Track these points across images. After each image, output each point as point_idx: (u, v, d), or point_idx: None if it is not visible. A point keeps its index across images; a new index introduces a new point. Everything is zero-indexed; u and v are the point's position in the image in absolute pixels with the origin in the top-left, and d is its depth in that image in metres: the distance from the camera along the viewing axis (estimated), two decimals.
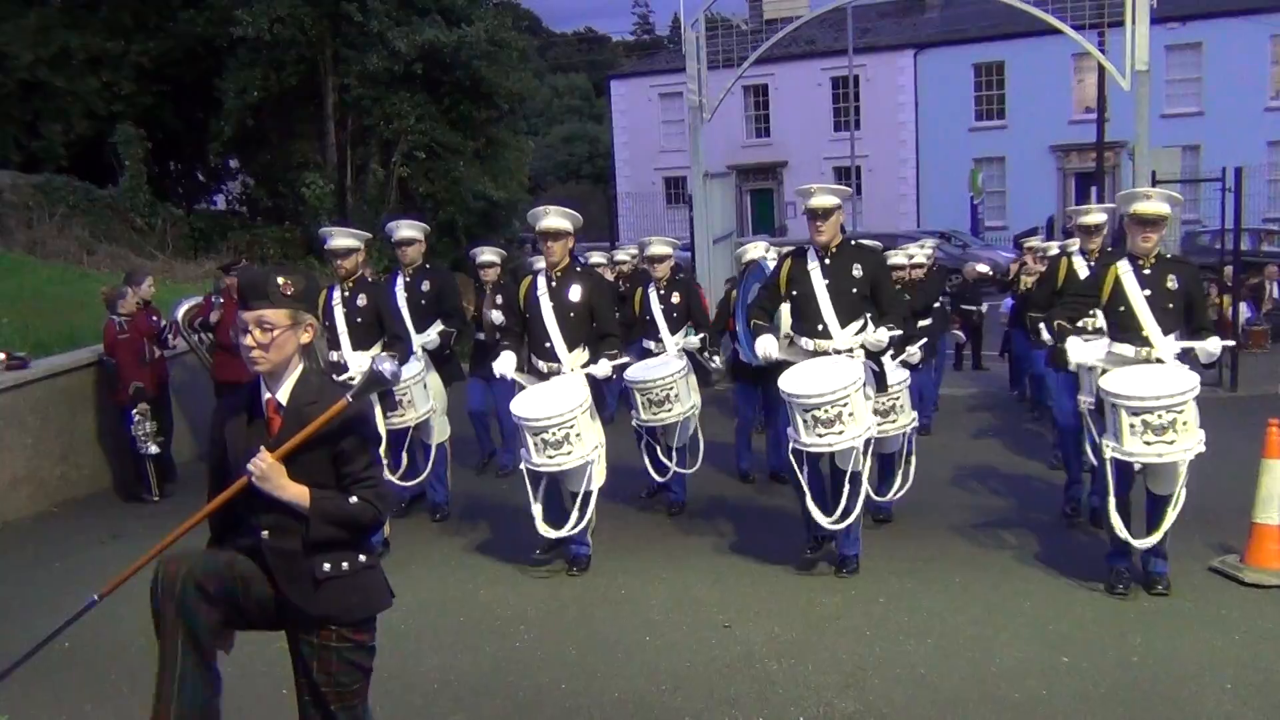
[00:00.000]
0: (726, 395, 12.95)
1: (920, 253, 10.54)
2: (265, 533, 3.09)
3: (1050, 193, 33.67)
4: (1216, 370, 12.28)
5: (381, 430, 6.96)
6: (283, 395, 3.13)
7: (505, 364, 6.79)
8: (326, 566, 3.10)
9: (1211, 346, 5.72)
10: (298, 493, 3.04)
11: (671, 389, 7.68)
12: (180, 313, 9.67)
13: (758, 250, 8.69)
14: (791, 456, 6.27)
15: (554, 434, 6.32)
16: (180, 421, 9.70)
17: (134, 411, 8.61)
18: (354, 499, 3.09)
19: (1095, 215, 7.53)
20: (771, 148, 37.72)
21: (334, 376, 3.58)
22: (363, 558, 3.20)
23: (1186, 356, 5.82)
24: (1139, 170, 12.73)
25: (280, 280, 3.11)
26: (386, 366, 3.16)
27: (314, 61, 18.33)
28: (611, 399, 11.45)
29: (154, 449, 8.70)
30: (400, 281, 8.11)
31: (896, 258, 9.81)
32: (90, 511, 8.62)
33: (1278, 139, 31.65)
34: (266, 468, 3.01)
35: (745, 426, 8.91)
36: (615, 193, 37.99)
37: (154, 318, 9.30)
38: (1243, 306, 14.20)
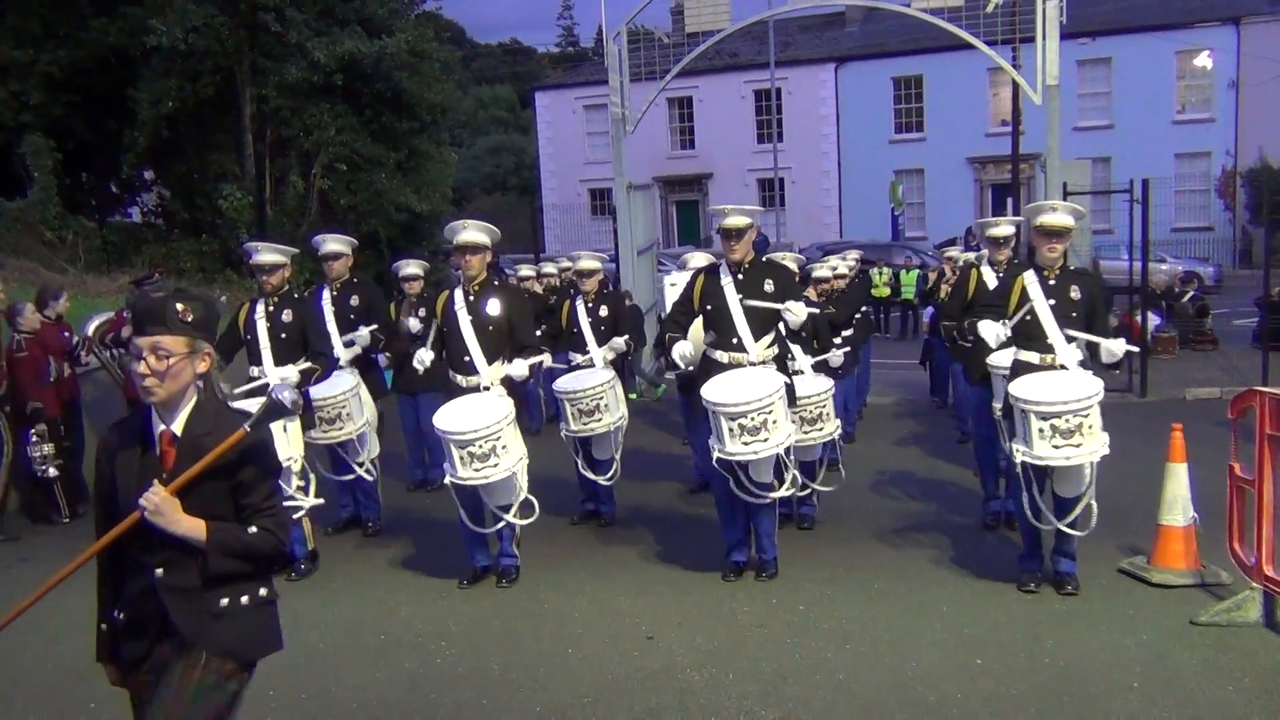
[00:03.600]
0: (654, 405, 13.03)
1: (842, 264, 10.70)
2: (159, 570, 2.96)
3: (968, 204, 34.39)
4: (1126, 376, 12.65)
5: (297, 449, 6.86)
6: (177, 427, 3.00)
7: (424, 354, 6.79)
8: (224, 602, 2.99)
9: (1115, 346, 5.91)
10: (193, 526, 2.91)
11: (601, 399, 7.70)
12: (91, 328, 9.41)
13: (698, 261, 8.77)
14: (717, 466, 6.32)
15: (480, 446, 6.28)
16: (91, 440, 9.42)
17: (31, 432, 8.31)
18: (253, 529, 2.98)
19: (1003, 228, 7.74)
20: (696, 159, 38.01)
21: (229, 404, 3.43)
22: (263, 592, 3.09)
23: (1089, 360, 6.00)
24: (1050, 182, 13.04)
25: (179, 306, 2.98)
26: (286, 395, 3.06)
27: (231, 72, 17.99)
28: (537, 412, 11.45)
29: (53, 472, 8.38)
30: (327, 295, 8.03)
31: (820, 270, 9.95)
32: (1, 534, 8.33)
33: (1184, 151, 32.70)
34: (160, 501, 2.87)
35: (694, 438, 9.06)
36: (541, 204, 37.92)
37: (65, 333, 9.04)
38: (1151, 315, 14.61)
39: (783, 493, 6.43)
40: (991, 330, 6.13)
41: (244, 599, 3.03)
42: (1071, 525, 5.86)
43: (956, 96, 33.89)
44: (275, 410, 3.07)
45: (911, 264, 22.05)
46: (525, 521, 6.56)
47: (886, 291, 21.22)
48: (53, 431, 8.45)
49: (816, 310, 6.69)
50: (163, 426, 3.02)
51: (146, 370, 2.95)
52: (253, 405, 5.70)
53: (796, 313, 6.35)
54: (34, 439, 8.31)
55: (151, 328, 2.96)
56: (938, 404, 12.60)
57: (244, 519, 3.01)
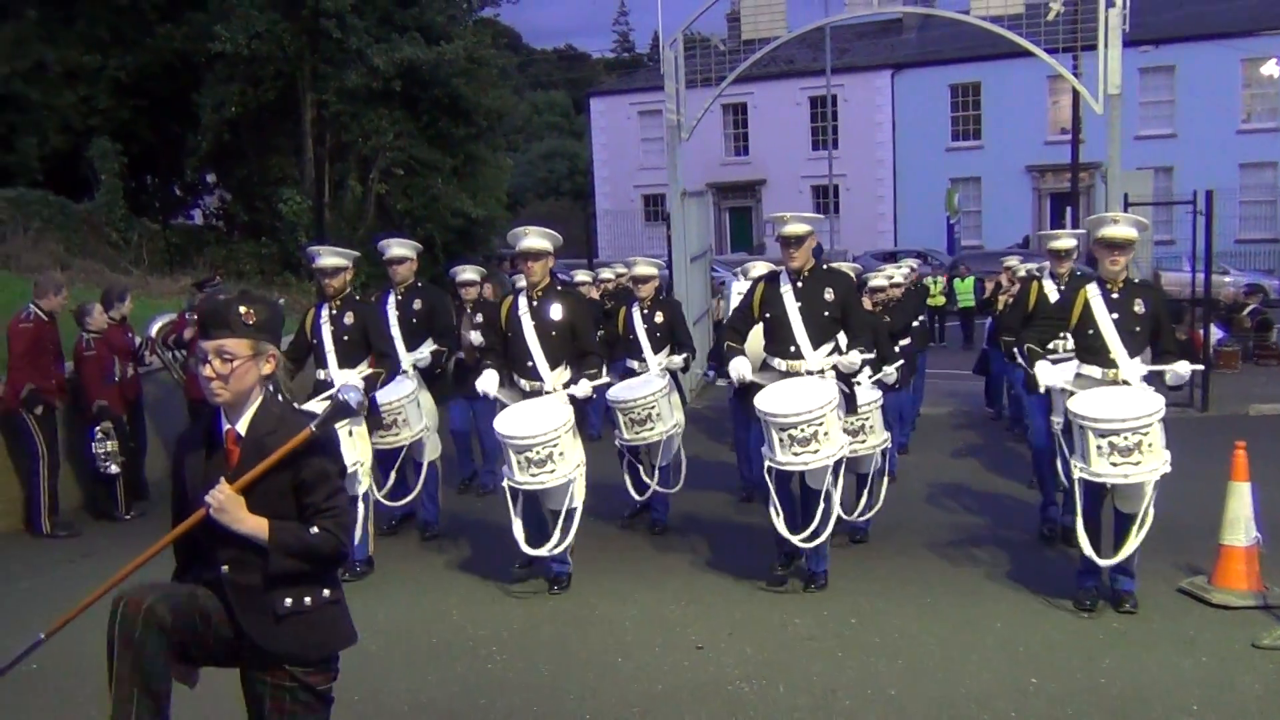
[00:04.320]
0: (706, 413, 13.00)
1: (898, 273, 10.63)
2: (225, 566, 3.02)
3: (1026, 213, 33.99)
4: (1188, 391, 12.42)
5: (367, 452, 6.96)
6: (242, 426, 3.06)
7: (488, 382, 6.79)
8: (288, 602, 3.03)
9: (1181, 369, 5.82)
10: (256, 525, 2.96)
11: (653, 408, 7.71)
12: (154, 329, 9.61)
13: (759, 269, 8.76)
14: (765, 475, 6.32)
15: (538, 452, 6.34)
16: (153, 439, 9.62)
17: (96, 430, 8.52)
18: (315, 529, 3.02)
19: (1065, 240, 7.64)
20: (750, 166, 37.93)
21: (295, 404, 3.47)
22: (326, 592, 3.13)
23: (1153, 379, 5.90)
24: (1111, 193, 12.86)
25: (242, 309, 3.03)
26: (352, 397, 3.11)
27: (292, 77, 18.30)
28: (596, 418, 11.49)
29: (114, 469, 8.58)
30: (392, 300, 8.14)
31: (876, 279, 9.90)
32: (60, 530, 8.52)
33: (1250, 161, 32.02)
34: (224, 499, 2.93)
35: (741, 445, 9.00)
36: (594, 210, 38.05)
37: (129, 334, 9.25)
38: (1214, 328, 14.34)
39: (825, 531, 6.35)
40: (1049, 375, 6.03)
41: (307, 600, 3.08)
42: (1126, 563, 5.79)
43: (1015, 104, 33.50)
44: (341, 411, 3.12)
45: (967, 273, 21.71)
46: (568, 540, 6.55)
47: (943, 300, 20.98)
48: (117, 430, 8.63)
49: (871, 355, 6.64)
50: (229, 425, 3.09)
51: (212, 373, 3.01)
52: (318, 405, 5.79)
53: (850, 362, 6.34)
54: (98, 435, 8.51)
55: (216, 331, 3.02)
56: (993, 415, 12.45)
57: (306, 519, 3.05)
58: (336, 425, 3.22)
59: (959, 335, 21.00)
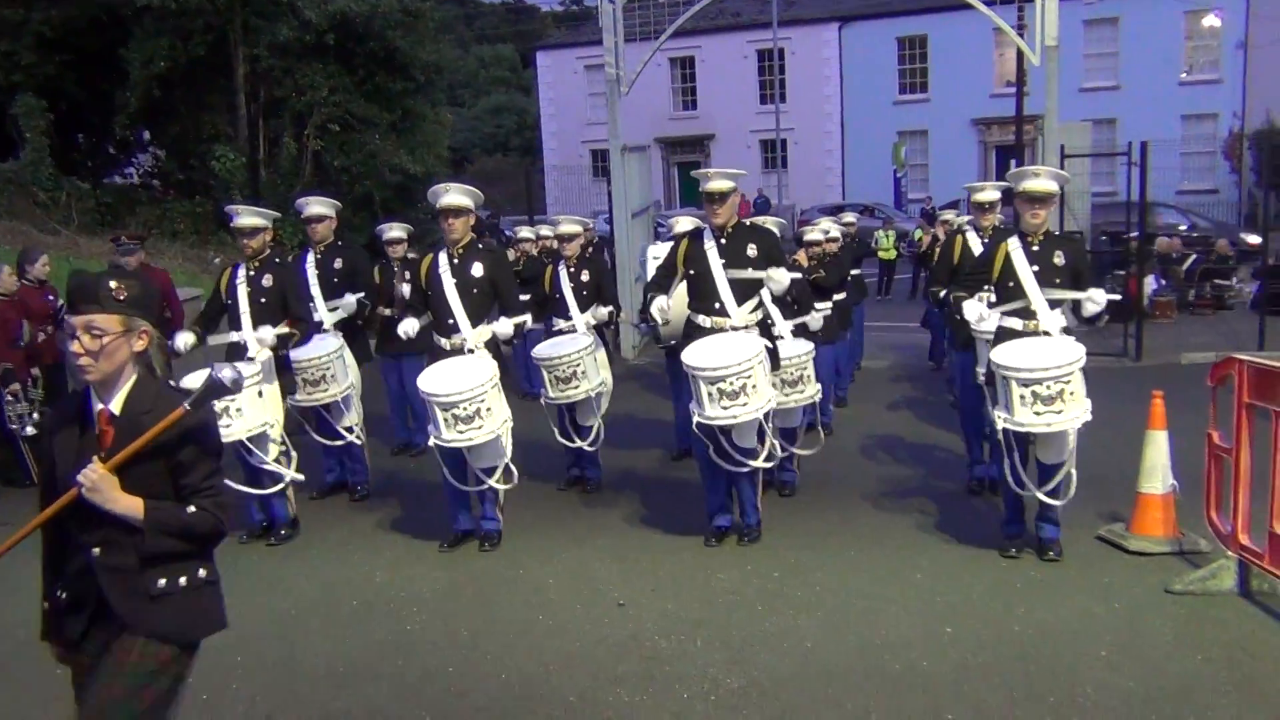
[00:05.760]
0: (651, 369, 12.95)
1: (835, 227, 10.59)
2: (96, 550, 2.93)
3: (972, 165, 34.09)
4: (1121, 340, 12.56)
5: (279, 413, 6.85)
6: (115, 406, 2.97)
7: (408, 325, 6.79)
8: (161, 583, 2.96)
9: (1096, 296, 5.87)
10: (130, 504, 2.88)
11: (578, 365, 7.63)
12: None
13: (684, 225, 8.68)
14: (695, 431, 6.30)
15: (464, 409, 6.29)
16: None
17: (5, 392, 8.34)
18: (191, 508, 2.95)
19: (988, 192, 7.65)
20: (699, 120, 37.70)
21: (170, 383, 3.36)
22: (202, 573, 3.07)
23: (1074, 328, 5.94)
24: (1049, 145, 12.88)
25: (113, 284, 2.95)
26: (226, 374, 3.02)
27: (222, 31, 17.84)
28: (537, 376, 11.39)
29: (30, 430, 8.40)
30: (311, 259, 8.01)
31: (811, 233, 9.85)
32: None
33: (1191, 113, 32.33)
34: (97, 478, 2.85)
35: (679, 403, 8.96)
36: (542, 165, 37.69)
37: (49, 296, 9.01)
38: (1149, 278, 14.48)
39: (760, 463, 6.38)
40: (974, 310, 6.04)
41: (182, 580, 3.01)
42: (1052, 493, 5.83)
43: (961, 57, 33.52)
44: (215, 389, 3.04)
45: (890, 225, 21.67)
46: (505, 487, 6.56)
47: (894, 254, 20.98)
48: (26, 391, 8.45)
49: (799, 275, 6.63)
50: (100, 405, 2.99)
51: (80, 350, 2.92)
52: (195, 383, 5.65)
53: (779, 279, 6.30)
54: (8, 398, 8.33)
55: (85, 306, 2.94)
56: (934, 367, 12.52)
57: (183, 499, 2.98)
58: (226, 398, 3.14)
59: (907, 288, 21.03)
